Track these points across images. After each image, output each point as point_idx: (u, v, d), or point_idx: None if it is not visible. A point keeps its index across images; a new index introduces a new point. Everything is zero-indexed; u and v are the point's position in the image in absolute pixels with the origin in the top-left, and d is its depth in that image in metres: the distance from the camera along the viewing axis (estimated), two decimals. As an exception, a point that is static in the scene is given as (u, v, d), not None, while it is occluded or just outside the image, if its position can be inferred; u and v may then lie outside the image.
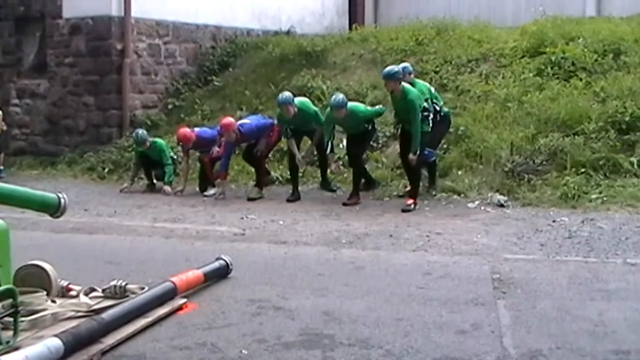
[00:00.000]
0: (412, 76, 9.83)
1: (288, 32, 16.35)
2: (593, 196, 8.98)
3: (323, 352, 4.30)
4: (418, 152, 9.02)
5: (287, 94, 10.10)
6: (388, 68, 9.39)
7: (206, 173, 10.83)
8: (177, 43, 14.47)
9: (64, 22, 13.78)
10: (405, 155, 9.35)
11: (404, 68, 9.67)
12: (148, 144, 11.05)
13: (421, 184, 9.62)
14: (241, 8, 15.67)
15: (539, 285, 5.71)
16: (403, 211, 8.90)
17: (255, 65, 14.55)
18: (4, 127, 13.41)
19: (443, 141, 10.27)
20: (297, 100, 10.08)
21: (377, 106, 10.38)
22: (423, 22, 14.74)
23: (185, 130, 10.91)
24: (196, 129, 11.14)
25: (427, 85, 9.99)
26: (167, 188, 10.85)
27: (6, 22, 14.52)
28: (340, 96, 9.71)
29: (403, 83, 9.14)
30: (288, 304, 5.25)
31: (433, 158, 9.75)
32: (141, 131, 11.30)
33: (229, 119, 10.42)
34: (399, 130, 9.71)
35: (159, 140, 11.36)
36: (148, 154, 11.19)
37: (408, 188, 9.53)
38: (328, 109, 9.82)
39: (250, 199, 10.00)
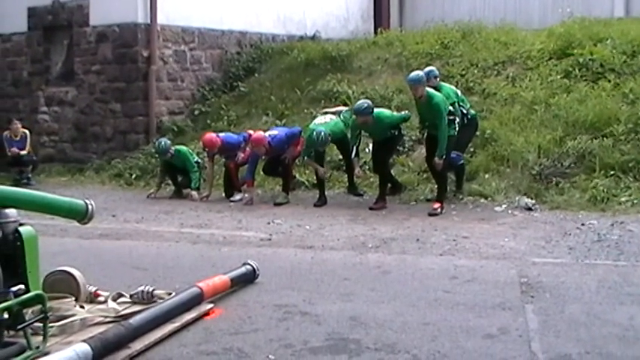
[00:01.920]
0: (438, 79, 9.79)
1: (313, 37, 16.39)
2: (623, 199, 8.89)
3: (349, 357, 4.28)
4: (444, 156, 8.99)
5: (321, 132, 9.92)
6: (413, 73, 9.36)
7: (231, 179, 10.85)
8: (202, 50, 14.56)
9: (90, 30, 13.93)
10: (431, 159, 9.31)
11: (430, 72, 9.64)
12: (170, 154, 11.09)
13: (448, 187, 9.58)
14: (266, 14, 15.73)
15: (568, 289, 5.65)
16: (430, 215, 8.87)
17: (281, 70, 14.59)
18: (32, 153, 13.57)
19: (470, 144, 10.22)
20: (328, 126, 10.06)
21: (403, 112, 10.32)
22: (448, 26, 14.68)
23: (211, 136, 10.93)
24: (222, 134, 11.17)
25: (453, 88, 9.96)
26: (194, 194, 10.87)
27: (34, 31, 14.71)
28: (365, 103, 9.68)
29: (427, 88, 9.10)
30: (315, 309, 5.24)
31: (461, 162, 9.72)
32: (163, 141, 11.30)
33: (260, 134, 10.40)
34: (425, 134, 9.66)
35: (182, 148, 11.35)
36: (172, 162, 11.24)
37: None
38: (353, 115, 9.81)
39: (277, 204, 10.01)
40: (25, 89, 15.00)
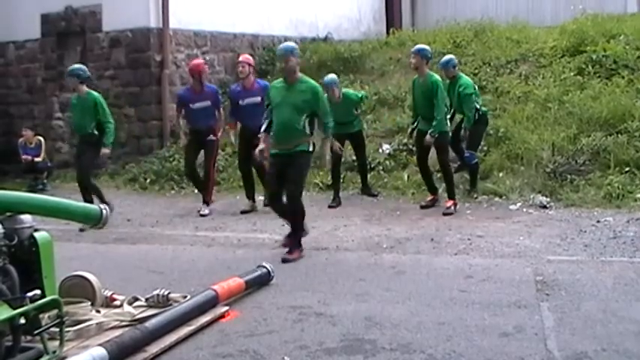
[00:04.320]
0: (457, 69, 9.82)
1: (325, 39, 16.38)
2: (638, 195, 8.85)
3: (365, 357, 4.29)
4: (436, 135, 8.89)
5: (332, 75, 10.12)
6: (420, 45, 9.43)
7: (204, 184, 9.99)
8: (215, 53, 14.59)
9: (103, 35, 13.99)
10: (421, 158, 9.37)
11: (449, 61, 9.72)
12: (81, 86, 9.37)
13: (461, 186, 9.58)
14: (278, 16, 15.74)
15: (584, 286, 5.63)
16: (444, 214, 8.85)
17: (293, 72, 14.58)
18: (47, 160, 13.61)
19: (483, 143, 10.19)
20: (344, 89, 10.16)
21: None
22: (460, 25, 14.69)
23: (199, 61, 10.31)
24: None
25: (471, 81, 9.95)
26: (105, 151, 9.42)
27: (48, 37, 14.78)
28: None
29: (428, 71, 9.08)
30: (330, 309, 5.25)
31: (475, 161, 9.70)
32: (83, 67, 9.77)
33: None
34: (415, 130, 9.49)
35: (96, 93, 9.62)
36: (80, 106, 9.43)
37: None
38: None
39: (243, 212, 9.68)
40: (40, 95, 15.08)
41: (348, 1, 17.51)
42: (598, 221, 8.03)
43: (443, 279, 6.02)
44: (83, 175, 9.55)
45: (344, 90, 10.22)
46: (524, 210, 8.92)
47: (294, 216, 7.19)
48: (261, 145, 7.31)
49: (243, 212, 9.71)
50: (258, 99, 9.24)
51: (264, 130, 7.28)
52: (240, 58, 9.82)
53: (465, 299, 5.39)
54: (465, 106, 9.41)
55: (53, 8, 14.51)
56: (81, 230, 8.51)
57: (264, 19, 15.42)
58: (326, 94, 9.25)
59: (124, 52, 13.80)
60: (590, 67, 11.55)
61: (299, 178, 7.10)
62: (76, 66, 9.84)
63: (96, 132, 9.37)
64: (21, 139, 13.55)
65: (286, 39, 15.72)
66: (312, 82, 7.19)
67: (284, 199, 7.13)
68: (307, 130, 7.07)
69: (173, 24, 13.60)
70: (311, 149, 7.13)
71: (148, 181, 12.61)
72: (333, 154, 10.09)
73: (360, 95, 10.34)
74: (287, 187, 7.04)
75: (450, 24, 14.98)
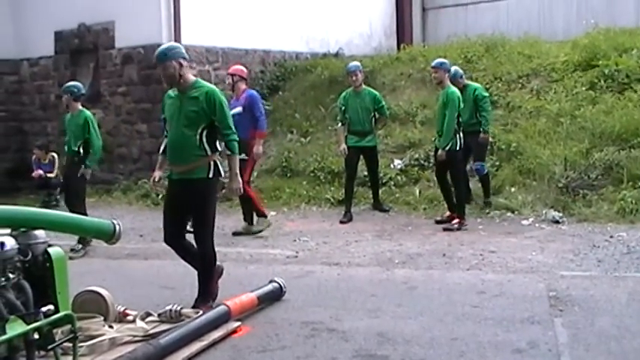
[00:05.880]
0: (464, 78, 10.00)
1: (336, 54, 16.41)
2: (652, 210, 8.80)
3: (377, 373, 4.28)
4: (447, 149, 8.92)
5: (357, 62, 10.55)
6: (439, 59, 9.51)
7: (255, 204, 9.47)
8: (226, 69, 14.55)
9: (116, 52, 14.09)
10: (439, 174, 9.35)
11: (455, 72, 9.78)
12: (74, 103, 9.07)
13: (473, 202, 9.56)
14: (290, 32, 15.79)
15: (598, 302, 5.60)
16: (444, 229, 8.87)
17: (305, 88, 14.63)
18: (60, 176, 13.65)
19: (495, 157, 10.17)
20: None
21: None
22: (471, 40, 14.67)
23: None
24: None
25: (480, 86, 10.17)
26: (87, 171, 8.95)
27: (61, 54, 14.90)
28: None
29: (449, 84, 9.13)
30: (342, 325, 5.23)
31: (485, 172, 9.72)
32: (78, 85, 9.44)
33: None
34: (434, 146, 9.59)
35: (88, 112, 9.19)
36: (72, 125, 9.10)
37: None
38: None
39: (235, 234, 9.31)
40: (53, 112, 15.17)
41: (359, 16, 17.55)
42: (611, 236, 7.99)
43: (455, 294, 6.00)
44: (73, 204, 8.71)
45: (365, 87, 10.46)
46: (537, 225, 8.89)
47: (202, 262, 5.82)
48: (157, 173, 6.12)
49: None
50: (240, 109, 9.13)
51: (162, 153, 6.08)
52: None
53: (477, 315, 5.37)
54: (481, 108, 9.68)
55: (66, 25, 14.63)
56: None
57: (275, 35, 15.46)
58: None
59: (136, 69, 13.88)
60: (602, 82, 11.51)
61: (204, 217, 5.71)
62: (71, 83, 9.60)
63: (81, 151, 8.97)
64: (35, 156, 13.63)
65: (297, 55, 15.85)
66: (209, 85, 5.97)
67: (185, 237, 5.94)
68: (206, 148, 5.67)
69: (185, 40, 13.64)
70: (212, 175, 5.68)
71: (160, 196, 12.61)
72: (347, 168, 10.12)
73: (381, 97, 10.49)
74: (193, 228, 5.89)
75: (460, 39, 14.97)
